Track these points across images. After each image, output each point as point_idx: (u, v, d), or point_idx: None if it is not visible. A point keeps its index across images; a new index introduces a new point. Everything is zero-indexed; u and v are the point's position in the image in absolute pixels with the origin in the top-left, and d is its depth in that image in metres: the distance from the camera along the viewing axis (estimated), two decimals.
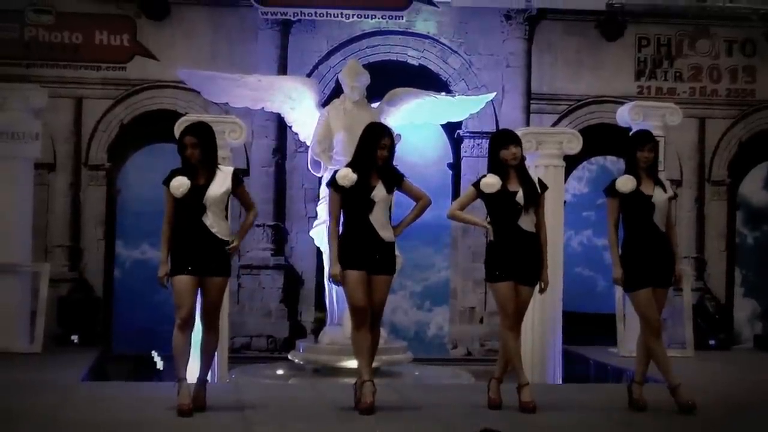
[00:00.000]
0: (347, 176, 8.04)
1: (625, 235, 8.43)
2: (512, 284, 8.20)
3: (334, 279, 8.11)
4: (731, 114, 18.36)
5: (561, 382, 12.46)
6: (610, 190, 8.43)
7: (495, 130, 17.15)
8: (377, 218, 8.07)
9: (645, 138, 8.48)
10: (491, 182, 8.23)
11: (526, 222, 8.23)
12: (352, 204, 8.07)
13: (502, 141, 8.36)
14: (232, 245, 7.94)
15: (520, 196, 8.18)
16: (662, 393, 8.42)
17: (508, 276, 8.19)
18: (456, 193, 17.73)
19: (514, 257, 8.18)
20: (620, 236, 8.44)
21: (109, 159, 17.40)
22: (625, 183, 8.35)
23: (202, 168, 7.89)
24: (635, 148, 8.37)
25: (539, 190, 8.33)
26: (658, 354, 8.33)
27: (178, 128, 11.26)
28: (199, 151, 7.87)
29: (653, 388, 8.62)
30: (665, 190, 8.41)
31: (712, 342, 15.91)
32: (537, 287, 8.40)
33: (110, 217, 17.59)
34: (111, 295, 17.48)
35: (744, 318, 18.53)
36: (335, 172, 8.24)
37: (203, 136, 7.94)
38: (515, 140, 8.33)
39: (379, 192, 8.04)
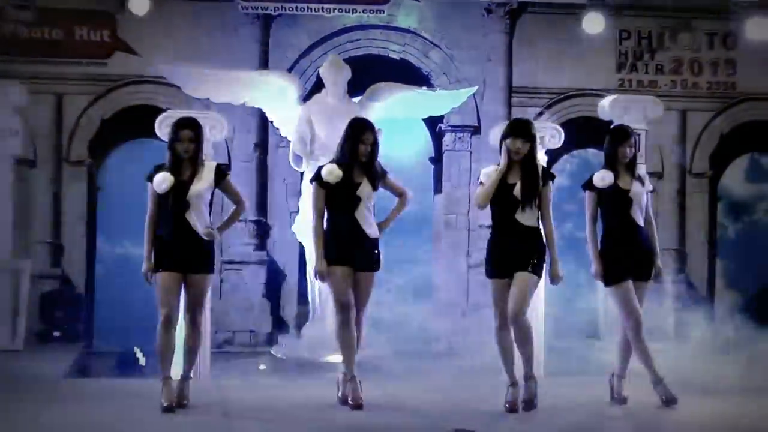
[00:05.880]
0: (333, 172, 8.02)
1: (603, 229, 8.45)
2: (507, 282, 7.96)
3: (320, 276, 8.12)
4: (712, 107, 18.42)
5: (542, 376, 12.49)
6: (588, 185, 8.45)
7: (478, 124, 17.36)
8: (362, 215, 8.07)
9: (625, 134, 8.49)
10: (488, 173, 8.01)
11: (526, 216, 7.92)
12: (337, 201, 8.07)
13: (507, 130, 8.03)
14: (211, 232, 7.92)
15: (517, 190, 7.89)
16: (644, 387, 8.47)
17: (504, 273, 7.98)
18: (438, 188, 17.77)
19: (511, 253, 7.94)
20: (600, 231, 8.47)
21: (90, 155, 17.37)
22: (603, 178, 8.35)
23: (189, 164, 7.90)
24: (616, 144, 8.39)
25: (541, 183, 7.97)
26: (640, 348, 8.37)
27: (159, 124, 11.24)
28: (195, 146, 7.89)
29: (635, 382, 8.66)
30: (643, 184, 8.46)
31: (692, 335, 15.96)
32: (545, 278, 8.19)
33: (91, 213, 17.56)
34: (93, 291, 17.46)
35: (725, 310, 18.58)
36: (320, 168, 8.23)
37: (199, 131, 7.97)
38: (520, 133, 7.96)
39: (364, 189, 8.05)
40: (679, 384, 8.61)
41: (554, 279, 8.10)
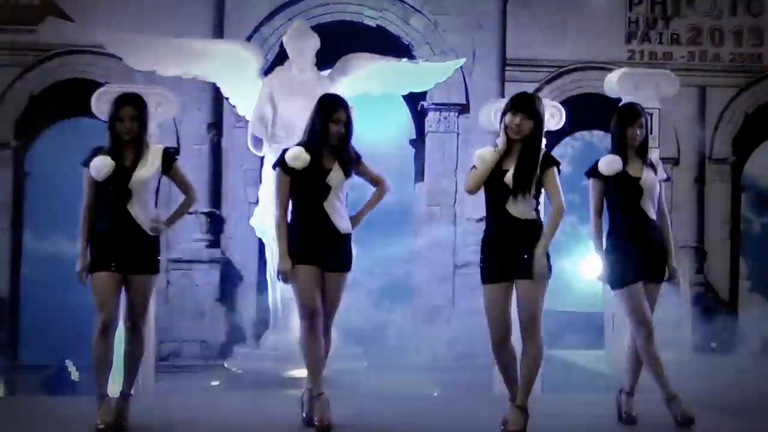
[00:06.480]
0: (299, 157, 7.99)
1: (610, 223, 8.47)
2: (502, 287, 7.71)
3: (283, 276, 8.08)
4: (735, 82, 18.51)
5: (540, 391, 12.53)
6: (593, 172, 8.45)
7: (466, 101, 17.35)
8: (332, 206, 8.04)
9: (634, 113, 8.50)
10: (482, 154, 7.77)
11: (519, 207, 7.68)
12: (303, 189, 8.04)
13: (508, 105, 7.79)
14: (157, 226, 7.90)
15: (509, 177, 7.67)
16: (656, 404, 8.49)
17: (499, 277, 7.72)
18: (420, 175, 17.77)
19: (507, 252, 7.69)
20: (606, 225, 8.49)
21: (17, 136, 17.32)
22: (610, 164, 8.36)
23: (132, 146, 7.87)
24: (623, 125, 8.40)
25: (537, 170, 7.69)
26: (652, 360, 8.38)
27: (96, 100, 11.22)
28: (138, 126, 7.87)
29: (645, 399, 8.69)
30: (656, 172, 8.47)
31: (713, 344, 16.06)
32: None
33: (17, 203, 17.51)
34: (18, 294, 17.41)
35: (750, 316, 18.69)
36: (284, 151, 8.20)
37: (143, 109, 7.94)
38: (521, 107, 7.72)
39: (335, 176, 8.01)
40: (697, 401, 8.64)
41: (536, 277, 7.63)
